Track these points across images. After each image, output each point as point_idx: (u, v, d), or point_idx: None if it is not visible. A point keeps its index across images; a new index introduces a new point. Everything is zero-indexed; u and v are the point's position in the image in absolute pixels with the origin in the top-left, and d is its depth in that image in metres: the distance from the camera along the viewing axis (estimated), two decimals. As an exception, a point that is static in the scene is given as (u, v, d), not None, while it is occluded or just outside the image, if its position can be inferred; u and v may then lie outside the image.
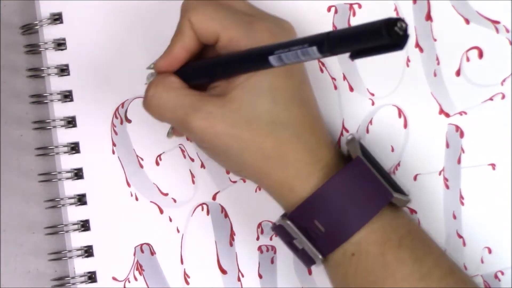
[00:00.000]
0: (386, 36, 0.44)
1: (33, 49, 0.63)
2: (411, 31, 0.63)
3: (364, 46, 0.46)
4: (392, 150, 0.63)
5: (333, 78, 0.63)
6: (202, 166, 0.63)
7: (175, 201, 0.63)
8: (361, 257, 0.55)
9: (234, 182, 0.63)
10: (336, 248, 0.56)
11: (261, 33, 0.55)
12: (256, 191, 0.63)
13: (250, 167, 0.56)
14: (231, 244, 0.63)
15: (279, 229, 0.57)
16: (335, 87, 0.63)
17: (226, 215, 0.63)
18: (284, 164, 0.55)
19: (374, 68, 0.63)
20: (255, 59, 0.52)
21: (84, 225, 0.63)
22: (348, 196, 0.55)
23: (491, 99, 0.63)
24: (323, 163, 0.56)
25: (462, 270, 0.59)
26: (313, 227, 0.56)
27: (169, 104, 0.55)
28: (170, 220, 0.63)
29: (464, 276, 0.58)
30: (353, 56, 0.47)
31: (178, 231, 0.63)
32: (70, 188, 0.63)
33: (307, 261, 0.57)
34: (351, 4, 0.63)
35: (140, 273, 0.63)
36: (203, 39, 0.56)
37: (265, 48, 0.51)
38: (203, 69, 0.56)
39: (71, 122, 0.63)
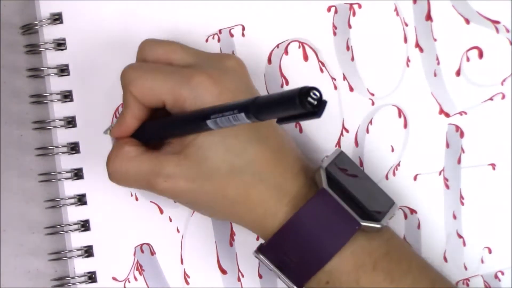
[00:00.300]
0: (299, 106, 0.45)
1: (33, 49, 0.63)
2: (411, 31, 0.63)
3: (285, 114, 0.47)
4: (392, 150, 0.63)
5: (333, 78, 0.63)
6: (202, 166, 0.63)
7: (175, 201, 0.63)
8: (335, 284, 0.56)
9: (234, 182, 0.63)
10: (310, 279, 0.56)
11: (201, 86, 0.55)
12: (256, 191, 0.63)
13: (221, 213, 0.58)
14: (231, 244, 0.63)
15: (258, 258, 0.58)
16: (335, 87, 0.63)
17: (226, 215, 0.63)
18: (251, 206, 0.56)
19: (374, 68, 0.63)
20: (195, 123, 0.54)
21: (84, 225, 0.63)
22: (316, 227, 0.56)
23: (491, 99, 0.63)
24: (290, 197, 0.57)
25: (445, 282, 0.59)
26: (286, 259, 0.56)
27: (130, 175, 0.57)
28: (170, 220, 0.63)
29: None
30: (280, 121, 0.48)
31: (178, 231, 0.63)
32: (70, 188, 0.63)
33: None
34: (351, 4, 0.63)
35: (140, 273, 0.63)
36: (149, 106, 0.57)
37: (202, 113, 0.53)
38: (154, 131, 0.58)
39: (71, 122, 0.63)
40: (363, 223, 0.56)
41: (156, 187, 0.56)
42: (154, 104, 0.57)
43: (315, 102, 0.45)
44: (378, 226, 0.57)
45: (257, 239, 0.63)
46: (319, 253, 0.56)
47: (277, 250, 0.56)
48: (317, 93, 0.45)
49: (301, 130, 0.63)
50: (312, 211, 0.56)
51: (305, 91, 0.45)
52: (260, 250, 0.57)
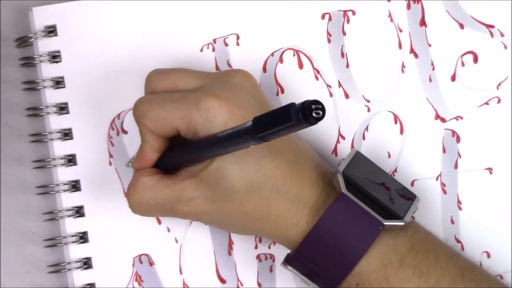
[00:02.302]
0: (305, 123, 0.44)
1: (28, 61, 0.63)
2: (405, 37, 0.63)
3: (288, 132, 0.46)
4: (389, 156, 0.63)
5: (328, 85, 0.63)
6: (199, 175, 0.63)
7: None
8: (365, 285, 0.56)
9: (232, 191, 0.63)
10: (340, 284, 0.57)
11: (210, 108, 0.56)
12: (253, 199, 0.63)
13: (243, 229, 0.59)
14: (230, 253, 0.63)
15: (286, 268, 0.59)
16: (331, 94, 0.63)
17: (224, 224, 0.63)
18: (272, 220, 0.57)
19: (369, 74, 0.63)
20: (206, 152, 0.55)
21: (83, 237, 0.63)
22: (339, 232, 0.56)
23: (487, 103, 0.63)
24: (309, 206, 0.57)
25: (475, 269, 0.58)
26: (314, 267, 0.57)
27: (151, 204, 0.58)
28: (168, 230, 0.63)
29: (477, 275, 0.58)
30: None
31: (176, 241, 0.63)
32: (68, 200, 0.63)
33: None
34: (345, 11, 0.63)
35: (139, 284, 0.63)
36: (165, 135, 0.58)
37: (211, 142, 0.53)
38: (171, 161, 0.58)
39: (67, 134, 0.63)
40: (386, 223, 0.56)
41: (179, 212, 0.58)
42: (168, 133, 0.57)
43: (320, 115, 0.44)
44: (401, 223, 0.57)
45: (255, 247, 0.63)
46: (346, 258, 0.56)
47: (304, 259, 0.57)
48: (319, 106, 0.44)
49: (297, 138, 0.63)
50: (334, 216, 0.56)
51: (307, 106, 0.44)
52: (287, 261, 0.58)
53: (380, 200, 0.57)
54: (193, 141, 0.57)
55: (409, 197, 0.59)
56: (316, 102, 0.44)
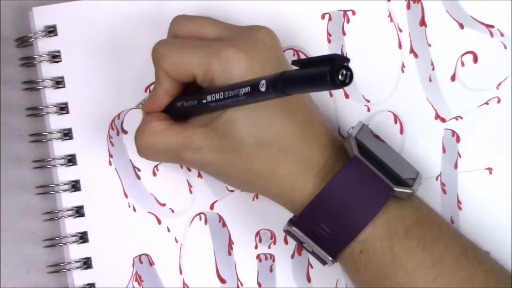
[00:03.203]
0: (330, 84, 0.45)
1: (28, 61, 0.63)
2: (405, 36, 0.63)
3: (312, 90, 0.47)
4: (389, 156, 0.63)
5: (329, 86, 0.63)
6: (199, 175, 0.63)
7: (172, 211, 0.63)
8: (369, 253, 0.56)
9: (232, 191, 0.63)
10: (344, 249, 0.56)
11: (231, 59, 0.56)
12: (253, 199, 0.63)
13: (247, 185, 0.59)
14: (230, 253, 0.63)
15: (289, 233, 0.58)
16: (331, 94, 0.63)
17: (224, 224, 0.63)
18: (277, 179, 0.57)
19: (369, 74, 0.63)
20: (222, 100, 0.54)
21: (82, 237, 0.63)
22: (348, 196, 0.56)
23: (486, 103, 0.63)
24: (317, 169, 0.57)
25: (477, 249, 0.58)
26: (319, 230, 0.56)
27: (159, 149, 0.58)
28: (168, 230, 0.63)
29: (480, 255, 0.58)
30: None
31: (176, 241, 0.63)
32: (68, 200, 0.63)
33: (321, 261, 0.58)
34: (345, 11, 0.63)
35: (139, 284, 0.63)
36: (181, 80, 0.58)
37: (229, 89, 0.53)
38: (184, 108, 0.58)
39: (67, 134, 0.63)
40: (396, 189, 0.56)
41: (185, 159, 0.57)
42: (184, 79, 0.57)
43: (347, 80, 0.45)
44: (410, 191, 0.57)
45: (255, 247, 0.63)
46: (353, 222, 0.56)
47: (310, 221, 0.56)
48: (347, 71, 0.45)
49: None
50: (345, 180, 0.56)
51: (336, 69, 0.44)
52: (292, 222, 0.57)
53: (390, 167, 0.57)
54: (208, 90, 0.56)
55: (414, 172, 0.60)
56: (346, 67, 0.45)
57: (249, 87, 0.51)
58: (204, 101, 0.55)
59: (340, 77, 0.45)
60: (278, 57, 0.58)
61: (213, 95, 0.54)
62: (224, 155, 0.56)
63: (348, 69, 0.45)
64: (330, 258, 0.57)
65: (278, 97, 0.49)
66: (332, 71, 0.45)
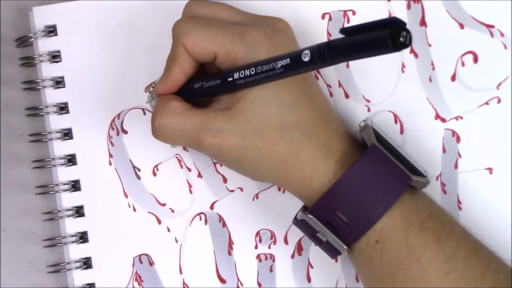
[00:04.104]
0: (391, 48, 0.45)
1: (28, 61, 0.63)
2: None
3: (368, 56, 0.47)
4: (389, 156, 0.63)
5: (328, 85, 0.63)
6: (199, 175, 0.63)
7: (172, 211, 0.63)
8: (385, 243, 0.56)
9: (232, 191, 0.63)
10: (360, 237, 0.56)
11: (256, 41, 0.55)
12: (253, 199, 0.63)
13: (266, 173, 0.57)
14: (230, 253, 0.63)
15: (301, 224, 0.58)
16: (331, 94, 0.63)
17: (224, 224, 0.63)
18: (299, 165, 0.56)
19: (369, 74, 0.63)
20: (258, 74, 0.53)
21: (82, 237, 0.63)
22: (367, 184, 0.56)
23: (487, 103, 0.63)
24: (337, 156, 0.56)
25: (486, 249, 0.58)
26: (335, 219, 0.56)
27: (177, 130, 0.56)
28: (168, 230, 0.63)
29: (489, 254, 0.58)
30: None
31: (176, 241, 0.63)
32: (68, 200, 0.63)
33: (332, 252, 0.58)
34: (345, 11, 0.63)
35: (139, 284, 0.63)
36: (200, 59, 0.56)
37: (269, 61, 0.52)
38: (204, 89, 0.56)
39: (67, 134, 0.63)
40: (414, 178, 0.56)
41: (204, 142, 0.55)
42: (205, 57, 0.56)
43: (407, 42, 0.44)
44: (426, 180, 0.57)
45: (255, 247, 0.63)
46: (370, 211, 0.55)
47: (327, 209, 0.56)
48: (407, 33, 0.44)
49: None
50: (364, 167, 0.56)
51: (397, 32, 0.44)
52: (308, 210, 0.57)
53: (405, 158, 0.57)
54: (230, 70, 0.55)
55: (421, 166, 0.59)
56: (405, 29, 0.45)
57: (288, 59, 0.50)
58: (230, 78, 0.54)
59: (401, 39, 0.44)
60: (296, 47, 0.58)
61: (242, 71, 0.53)
62: (247, 139, 0.55)
63: (408, 31, 0.45)
64: (345, 247, 0.57)
65: (323, 67, 0.48)
66: (393, 33, 0.44)
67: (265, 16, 0.59)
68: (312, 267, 0.63)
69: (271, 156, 0.56)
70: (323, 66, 0.49)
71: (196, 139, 0.56)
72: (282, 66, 0.51)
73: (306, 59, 0.49)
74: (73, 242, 0.63)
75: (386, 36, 0.45)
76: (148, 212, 0.63)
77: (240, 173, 0.59)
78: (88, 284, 0.63)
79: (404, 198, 0.56)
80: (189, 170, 0.63)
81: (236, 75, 0.54)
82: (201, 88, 0.56)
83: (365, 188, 0.56)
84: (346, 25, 0.63)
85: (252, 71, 0.53)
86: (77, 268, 0.63)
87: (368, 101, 0.63)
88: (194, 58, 0.56)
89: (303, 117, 0.56)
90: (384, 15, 0.63)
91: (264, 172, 0.57)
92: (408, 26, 0.62)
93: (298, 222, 0.58)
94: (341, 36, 0.48)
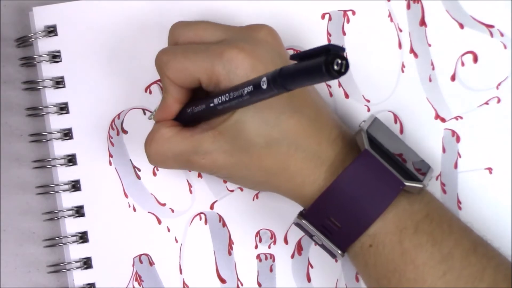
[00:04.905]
0: (326, 75, 0.45)
1: (28, 61, 0.63)
2: (405, 36, 0.63)
3: (311, 83, 0.47)
4: (389, 156, 0.63)
5: (328, 85, 0.63)
6: (199, 175, 0.63)
7: (173, 211, 0.63)
8: (379, 247, 0.56)
9: (232, 191, 0.63)
10: (353, 242, 0.56)
11: (234, 60, 0.56)
12: (253, 199, 0.63)
13: (259, 185, 0.59)
14: (230, 253, 0.63)
15: (298, 226, 0.58)
16: (331, 94, 0.63)
17: (224, 224, 0.63)
18: (288, 176, 0.57)
19: (369, 74, 0.63)
20: (228, 102, 0.54)
21: (82, 237, 0.63)
22: (358, 190, 0.56)
23: (486, 103, 0.63)
24: (328, 164, 0.57)
25: (486, 245, 0.58)
26: (329, 224, 0.56)
27: (168, 156, 0.58)
28: (168, 230, 0.63)
29: (489, 251, 0.58)
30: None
31: (176, 241, 0.63)
32: (68, 200, 0.63)
33: (330, 254, 0.58)
34: (345, 11, 0.63)
35: (139, 284, 0.63)
36: (186, 86, 0.58)
37: (234, 90, 0.53)
38: (195, 114, 0.58)
39: (67, 134, 0.63)
40: (406, 183, 0.56)
41: (195, 165, 0.57)
42: (190, 84, 0.57)
43: (342, 69, 0.45)
44: (420, 186, 0.57)
45: (255, 247, 0.63)
46: (363, 216, 0.56)
47: (320, 215, 0.56)
48: (342, 60, 0.45)
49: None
50: (355, 173, 0.56)
51: (331, 59, 0.45)
52: (303, 215, 0.57)
53: (400, 162, 0.57)
54: (214, 93, 0.56)
55: (425, 166, 0.59)
56: (340, 57, 0.45)
57: (251, 86, 0.51)
58: (211, 104, 0.55)
59: (335, 67, 0.45)
60: (281, 55, 0.58)
61: (219, 97, 0.55)
62: (234, 157, 0.56)
63: (343, 58, 0.45)
64: (339, 252, 0.57)
65: (280, 93, 0.49)
66: (326, 61, 0.45)
67: (247, 26, 0.59)
68: (312, 267, 0.63)
69: (260, 170, 0.57)
70: (279, 93, 0.49)
71: (187, 162, 0.58)
72: (248, 93, 0.51)
73: (264, 86, 0.49)
74: (73, 242, 0.63)
75: (320, 64, 0.45)
76: (148, 212, 0.63)
77: (240, 186, 0.62)
78: (88, 284, 0.63)
79: (398, 201, 0.56)
80: (189, 170, 0.63)
81: (216, 101, 0.55)
82: (192, 113, 0.58)
83: (357, 193, 0.56)
84: (346, 25, 0.63)
85: (226, 97, 0.54)
86: (77, 268, 0.63)
87: (368, 101, 0.63)
88: (181, 86, 0.58)
89: (288, 129, 0.56)
90: (384, 15, 0.63)
91: (257, 184, 0.59)
92: (406, 28, 0.63)
93: (296, 225, 0.58)
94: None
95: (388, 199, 0.56)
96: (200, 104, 0.57)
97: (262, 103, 0.53)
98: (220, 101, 0.54)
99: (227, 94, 0.54)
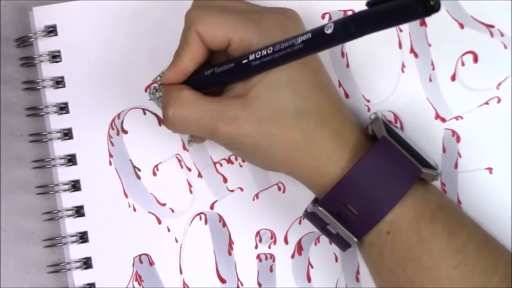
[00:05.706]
0: (422, 11, 0.44)
1: (28, 61, 0.63)
2: (405, 36, 0.63)
3: (394, 25, 0.47)
4: (389, 156, 0.63)
5: (329, 85, 0.63)
6: (199, 175, 0.63)
7: (173, 211, 0.63)
8: (396, 234, 0.56)
9: (232, 191, 0.63)
10: (371, 229, 0.56)
11: (271, 28, 0.56)
12: (253, 199, 0.63)
13: (280, 161, 0.57)
14: (230, 253, 0.63)
15: (311, 216, 0.58)
16: (331, 94, 0.63)
17: (224, 224, 0.63)
18: (314, 152, 0.56)
19: (369, 74, 0.63)
20: (278, 53, 0.52)
21: (82, 237, 0.63)
22: (378, 176, 0.56)
23: (486, 103, 0.63)
24: (350, 146, 0.56)
25: (497, 241, 0.58)
26: (345, 211, 0.56)
27: (192, 119, 0.56)
28: (168, 230, 0.63)
29: (499, 246, 0.58)
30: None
31: (176, 241, 0.63)
32: (68, 200, 0.63)
33: (342, 244, 0.58)
34: (345, 11, 0.63)
35: (139, 284, 0.63)
36: (213, 46, 0.56)
37: (288, 39, 0.51)
38: (216, 76, 0.56)
39: (67, 134, 0.63)
40: (424, 170, 0.56)
41: (219, 130, 0.55)
42: (218, 44, 0.56)
43: (436, 6, 0.44)
44: (437, 173, 0.57)
45: (256, 247, 0.63)
46: (380, 203, 0.55)
47: (337, 201, 0.56)
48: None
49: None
50: (374, 159, 0.56)
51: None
52: (318, 202, 0.57)
53: (416, 150, 0.57)
54: (246, 54, 0.54)
55: (431, 159, 0.59)
56: None
57: (310, 34, 0.50)
58: (245, 61, 0.54)
59: (431, 2, 0.44)
60: None
61: (258, 52, 0.53)
62: (262, 126, 0.55)
63: None
64: (355, 240, 0.57)
65: (347, 40, 0.48)
66: None
67: (276, 7, 0.59)
68: (312, 267, 0.63)
69: (286, 143, 0.56)
70: (347, 40, 0.48)
71: (211, 127, 0.55)
72: (303, 41, 0.50)
73: (329, 31, 0.48)
74: (73, 242, 0.63)
75: (418, 0, 0.44)
76: (148, 212, 0.63)
77: (252, 162, 0.59)
78: (88, 284, 0.63)
79: (415, 189, 0.56)
80: (189, 170, 0.63)
81: (251, 57, 0.53)
82: (212, 74, 0.56)
83: (376, 180, 0.56)
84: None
85: (270, 50, 0.52)
86: (77, 268, 0.63)
87: (368, 101, 0.63)
88: (207, 44, 0.56)
89: (318, 104, 0.56)
90: (384, 15, 0.63)
91: (278, 160, 0.57)
92: (406, 28, 0.63)
93: (309, 215, 0.58)
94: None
95: (407, 185, 0.56)
96: (227, 63, 0.55)
97: (294, 75, 0.52)
98: (258, 56, 0.53)
99: (270, 47, 0.52)
